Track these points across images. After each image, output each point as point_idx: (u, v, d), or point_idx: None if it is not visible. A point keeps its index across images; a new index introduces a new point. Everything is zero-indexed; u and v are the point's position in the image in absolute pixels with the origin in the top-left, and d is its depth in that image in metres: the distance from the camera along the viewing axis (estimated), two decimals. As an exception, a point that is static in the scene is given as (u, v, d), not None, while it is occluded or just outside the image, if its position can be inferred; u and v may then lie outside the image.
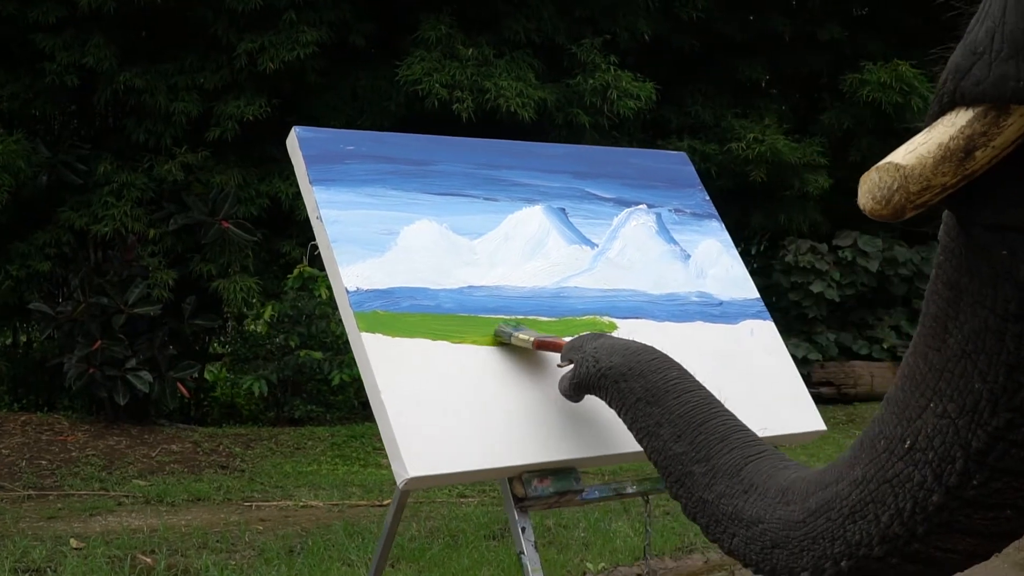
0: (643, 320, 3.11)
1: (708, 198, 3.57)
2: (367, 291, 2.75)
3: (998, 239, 1.37)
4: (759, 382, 3.18)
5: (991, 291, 1.40)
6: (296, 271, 11.58)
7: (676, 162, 3.65)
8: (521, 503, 2.65)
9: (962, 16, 1.41)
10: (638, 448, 2.44)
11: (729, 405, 3.04)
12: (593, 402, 2.66)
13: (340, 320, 11.05)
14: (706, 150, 14.22)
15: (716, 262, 3.44)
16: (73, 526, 7.92)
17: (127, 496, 9.11)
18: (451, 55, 11.74)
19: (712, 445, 1.97)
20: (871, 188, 1.39)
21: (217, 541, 7.40)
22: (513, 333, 2.88)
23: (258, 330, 12.82)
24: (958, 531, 1.49)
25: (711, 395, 2.16)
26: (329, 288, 11.31)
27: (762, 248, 16.69)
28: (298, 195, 11.69)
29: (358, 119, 12.45)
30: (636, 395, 2.24)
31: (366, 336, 2.66)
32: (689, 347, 3.11)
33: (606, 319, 3.06)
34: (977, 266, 1.41)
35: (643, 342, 2.47)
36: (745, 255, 16.27)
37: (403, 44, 11.98)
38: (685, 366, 2.98)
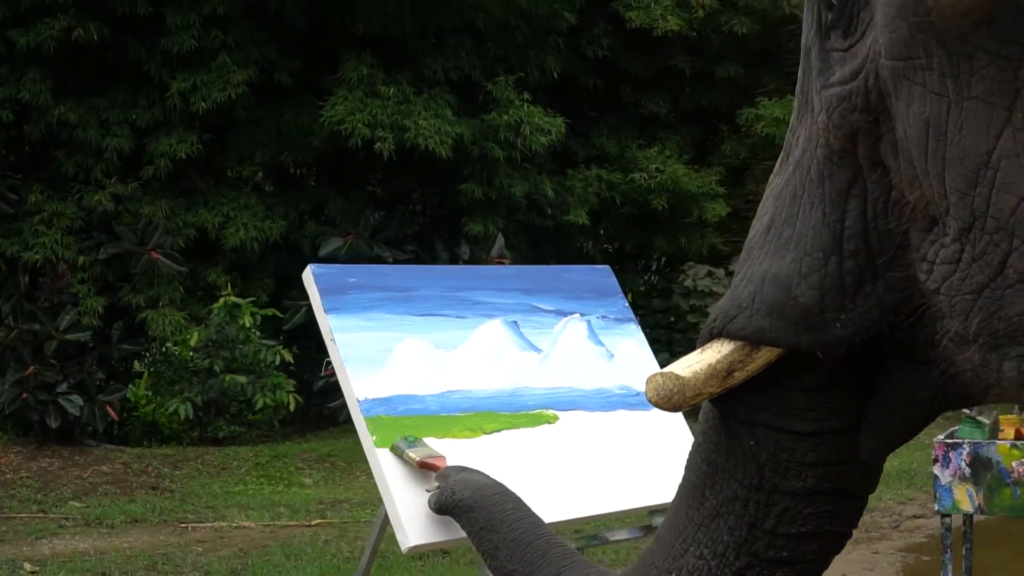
0: (579, 411, 3.91)
1: (627, 304, 4.41)
2: (372, 399, 3.50)
3: (748, 431, 1.92)
4: (666, 460, 3.94)
5: (740, 468, 1.93)
6: (221, 301, 12.12)
7: (602, 275, 4.48)
8: None
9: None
10: (596, 511, 3.20)
11: (643, 478, 3.81)
12: (555, 474, 3.47)
13: (263, 345, 11.65)
14: (611, 179, 15.00)
15: (635, 359, 4.22)
16: (23, 549, 8.40)
17: (66, 518, 9.58)
18: (372, 94, 12.36)
19: (535, 560, 2.52)
20: (657, 388, 1.90)
21: (164, 564, 7.96)
22: (405, 450, 3.51)
23: (181, 354, 13.32)
24: None
25: (539, 520, 2.72)
26: (252, 314, 11.95)
27: (664, 271, 17.46)
28: (223, 225, 12.27)
29: (282, 154, 13.04)
30: (480, 524, 2.82)
31: (373, 437, 3.40)
32: (613, 433, 3.91)
33: (550, 412, 3.85)
34: (731, 449, 1.95)
35: (492, 479, 3.09)
36: (648, 281, 17.11)
37: (326, 82, 12.59)
38: (609, 449, 3.75)
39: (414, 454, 3.49)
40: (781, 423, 1.91)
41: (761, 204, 1.95)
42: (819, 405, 1.89)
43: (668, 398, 1.90)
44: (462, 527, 3.01)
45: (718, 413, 1.99)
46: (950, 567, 5.22)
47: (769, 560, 1.97)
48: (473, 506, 2.91)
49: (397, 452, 3.53)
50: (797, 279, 1.79)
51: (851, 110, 1.69)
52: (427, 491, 3.34)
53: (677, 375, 1.90)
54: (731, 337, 1.88)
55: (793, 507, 1.93)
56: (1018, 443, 4.92)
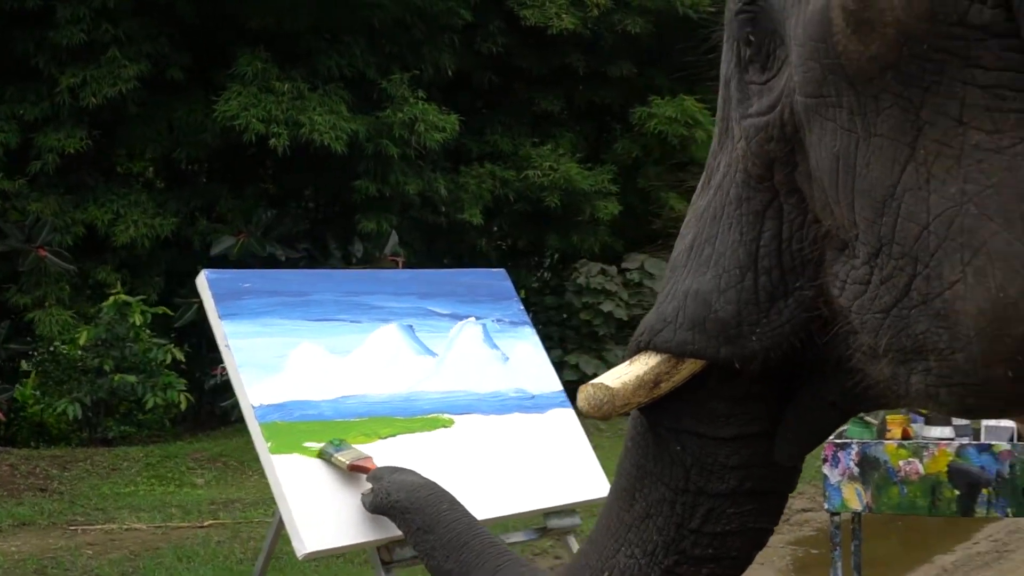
0: (475, 415, 3.94)
1: (522, 308, 4.45)
2: (267, 405, 3.49)
3: (673, 437, 2.06)
4: (561, 462, 4.03)
5: (667, 472, 2.08)
6: (111, 299, 11.94)
7: (497, 278, 4.53)
8: (387, 565, 3.44)
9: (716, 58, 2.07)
10: (492, 514, 3.24)
11: (538, 480, 3.86)
12: (451, 478, 3.49)
13: (154, 343, 11.50)
14: (505, 176, 15.07)
15: (529, 362, 4.29)
16: (-93, 555, 8.21)
17: (-48, 521, 9.37)
18: (266, 89, 12.28)
19: (471, 560, 2.64)
20: (588, 398, 2.04)
21: (53, 568, 7.83)
22: (334, 454, 3.58)
23: (69, 353, 13.10)
24: None
25: (473, 520, 2.84)
26: (143, 313, 11.79)
27: (558, 268, 17.58)
28: (113, 222, 12.10)
29: (173, 150, 12.88)
30: (416, 525, 2.95)
31: (268, 443, 3.39)
32: (508, 436, 3.95)
33: (446, 416, 3.88)
34: (658, 454, 2.10)
35: (426, 478, 3.19)
36: (540, 278, 17.23)
37: (219, 78, 12.47)
38: (505, 452, 3.79)
39: (343, 457, 3.56)
40: (705, 429, 2.03)
41: (684, 224, 2.05)
42: (740, 412, 2.01)
43: (599, 407, 2.00)
44: (398, 527, 3.11)
45: (646, 421, 2.10)
46: (839, 564, 5.34)
47: (696, 557, 2.09)
48: (409, 507, 3.02)
49: (325, 456, 3.58)
50: (716, 295, 1.91)
51: (768, 140, 1.80)
52: (362, 494, 3.41)
53: (607, 386, 2.00)
54: (657, 350, 2.00)
55: (717, 507, 2.05)
56: (905, 443, 5.05)
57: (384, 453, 3.55)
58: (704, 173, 2.05)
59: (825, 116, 1.65)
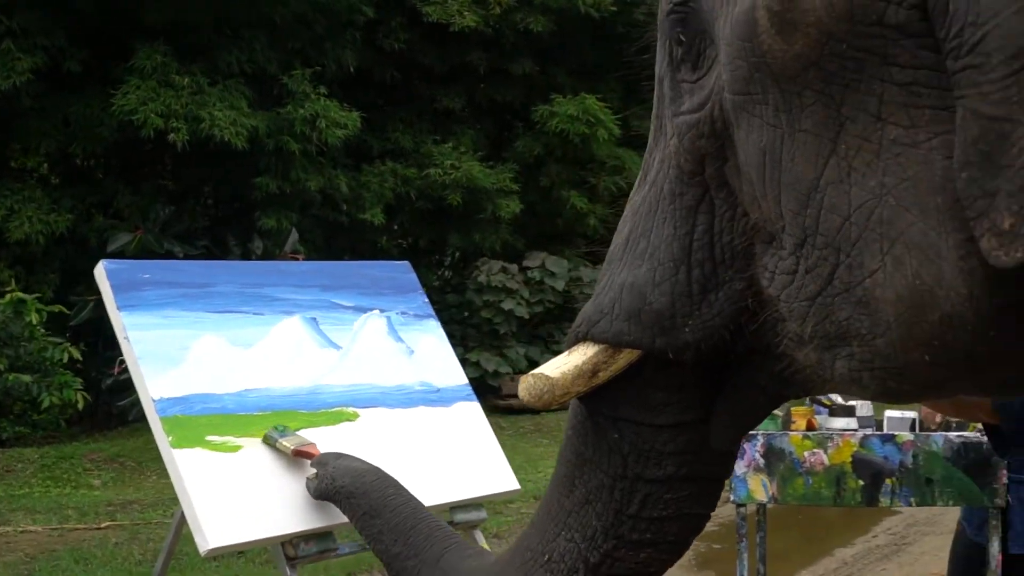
0: (379, 408, 3.92)
1: (427, 301, 4.45)
2: (168, 399, 3.43)
3: (611, 425, 2.11)
4: (467, 456, 4.02)
5: (606, 459, 2.13)
6: (7, 297, 11.68)
7: (401, 271, 4.51)
8: (292, 561, 3.40)
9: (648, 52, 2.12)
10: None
11: (444, 474, 3.85)
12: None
13: (49, 342, 11.26)
14: (407, 174, 15.05)
15: (434, 355, 4.29)
16: None
17: None
18: (166, 83, 12.10)
19: (419, 543, 2.67)
20: (528, 387, 2.08)
21: (-57, 572, 7.65)
22: (278, 439, 3.59)
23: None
24: None
25: (419, 503, 2.88)
26: (39, 311, 11.54)
27: (459, 266, 17.59)
28: (7, 218, 11.86)
29: (69, 145, 12.64)
30: (363, 510, 2.98)
31: (170, 437, 3.33)
32: (414, 430, 3.93)
33: (351, 409, 3.85)
34: (597, 442, 2.14)
35: (370, 463, 3.22)
36: (442, 276, 17.21)
37: (118, 72, 12.26)
38: (410, 446, 3.77)
39: (287, 443, 3.57)
40: (642, 417, 2.08)
41: (622, 219, 2.10)
42: (676, 401, 2.06)
43: (539, 397, 2.05)
44: (344, 512, 3.15)
45: (585, 410, 2.15)
46: (745, 555, 5.39)
47: (634, 542, 2.13)
48: (354, 492, 3.07)
49: (269, 442, 3.59)
50: (651, 287, 1.96)
51: (699, 136, 1.85)
52: (307, 478, 3.42)
53: (547, 376, 2.05)
54: (595, 340, 2.04)
55: (655, 493, 2.10)
56: (810, 434, 5.12)
57: (287, 447, 3.53)
58: (641, 170, 2.10)
59: (752, 113, 1.70)
